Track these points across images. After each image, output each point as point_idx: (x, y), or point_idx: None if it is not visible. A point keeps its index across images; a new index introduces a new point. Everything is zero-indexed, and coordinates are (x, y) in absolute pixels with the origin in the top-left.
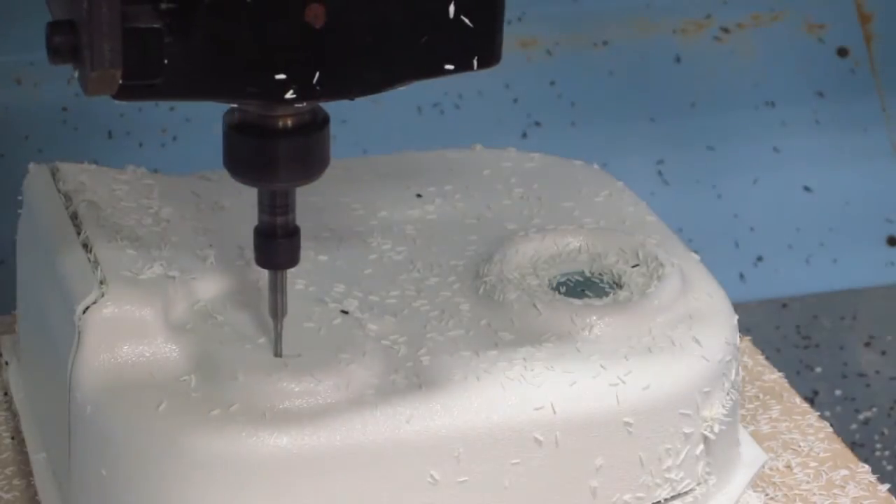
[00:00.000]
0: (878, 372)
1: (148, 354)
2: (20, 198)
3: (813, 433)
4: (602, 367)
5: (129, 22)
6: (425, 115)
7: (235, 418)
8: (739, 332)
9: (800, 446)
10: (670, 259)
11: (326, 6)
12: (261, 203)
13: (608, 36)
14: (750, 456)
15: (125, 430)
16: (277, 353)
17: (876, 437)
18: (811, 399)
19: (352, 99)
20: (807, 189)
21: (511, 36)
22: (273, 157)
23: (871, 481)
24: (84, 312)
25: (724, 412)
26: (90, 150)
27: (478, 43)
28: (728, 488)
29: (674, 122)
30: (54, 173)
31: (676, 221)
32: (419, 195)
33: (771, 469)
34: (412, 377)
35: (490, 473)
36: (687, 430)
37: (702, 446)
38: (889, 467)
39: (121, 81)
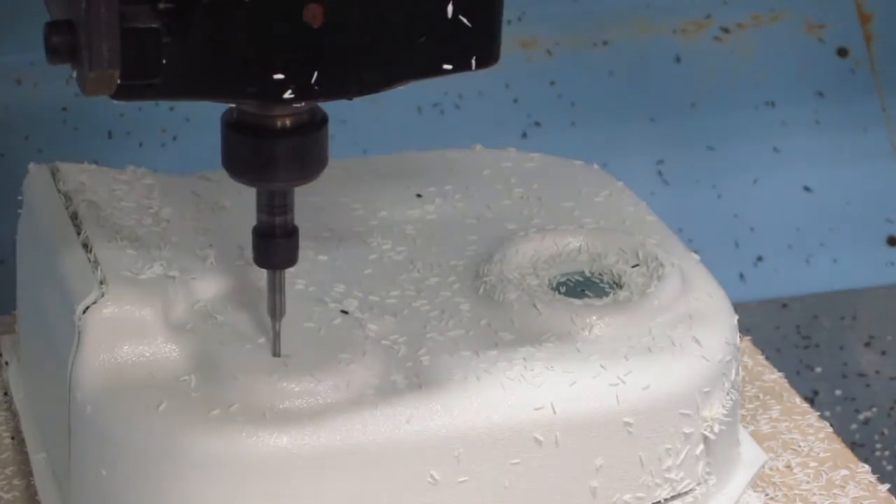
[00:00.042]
0: (878, 372)
1: (148, 354)
2: (20, 198)
3: (813, 433)
4: (602, 367)
5: (128, 22)
6: (425, 115)
7: (235, 418)
8: (739, 332)
9: (800, 446)
10: (670, 259)
11: (324, 6)
12: (259, 203)
13: (608, 36)
14: (750, 456)
15: (125, 430)
16: (276, 353)
17: (876, 437)
18: (811, 399)
19: (350, 99)
20: (807, 189)
21: (511, 36)
22: (271, 156)
23: (871, 481)
24: (84, 312)
25: (724, 412)
26: (90, 150)
27: (476, 43)
28: (728, 488)
29: (674, 122)
30: (54, 173)
31: (676, 221)
32: (419, 195)
33: (771, 469)
34: (412, 377)
35: (490, 473)
36: (687, 430)
37: (702, 446)
38: (889, 467)
39: (119, 81)
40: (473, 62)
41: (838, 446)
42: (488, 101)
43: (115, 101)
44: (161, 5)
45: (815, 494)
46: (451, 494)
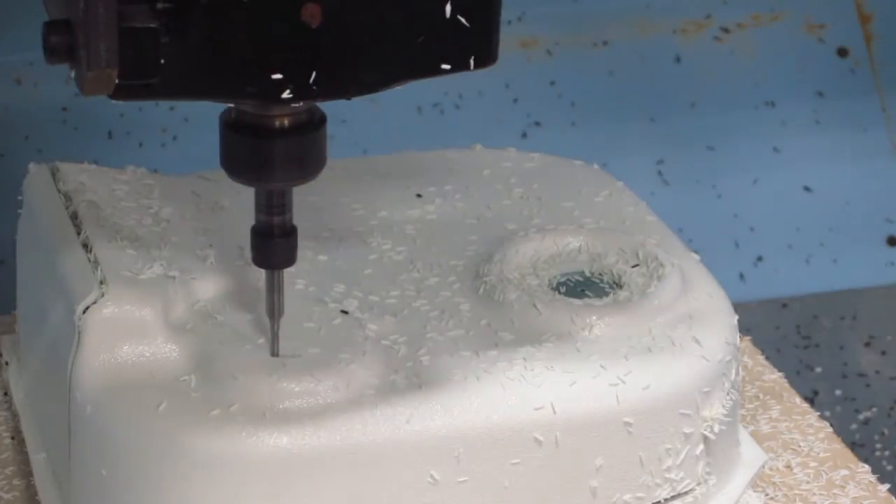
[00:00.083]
0: (878, 372)
1: (148, 354)
2: (20, 198)
3: (813, 433)
4: (602, 367)
5: (126, 21)
6: (425, 115)
7: (235, 418)
8: (739, 332)
9: (800, 446)
10: (670, 259)
11: (323, 6)
12: (258, 203)
13: (608, 36)
14: (750, 456)
15: (125, 430)
16: (274, 353)
17: (876, 437)
18: (811, 399)
19: (348, 98)
20: (807, 189)
21: (511, 36)
22: (270, 156)
23: (871, 481)
24: (84, 312)
25: (724, 412)
26: (90, 150)
27: (474, 42)
28: (728, 488)
29: (674, 122)
30: (54, 173)
31: (676, 221)
32: (419, 195)
33: (771, 469)
34: (412, 377)
35: (490, 473)
36: (687, 430)
37: (702, 446)
38: (889, 467)
39: (117, 81)
40: (472, 62)
41: (838, 446)
42: (488, 101)
43: (114, 101)
44: (159, 5)
45: (815, 494)
46: (451, 494)
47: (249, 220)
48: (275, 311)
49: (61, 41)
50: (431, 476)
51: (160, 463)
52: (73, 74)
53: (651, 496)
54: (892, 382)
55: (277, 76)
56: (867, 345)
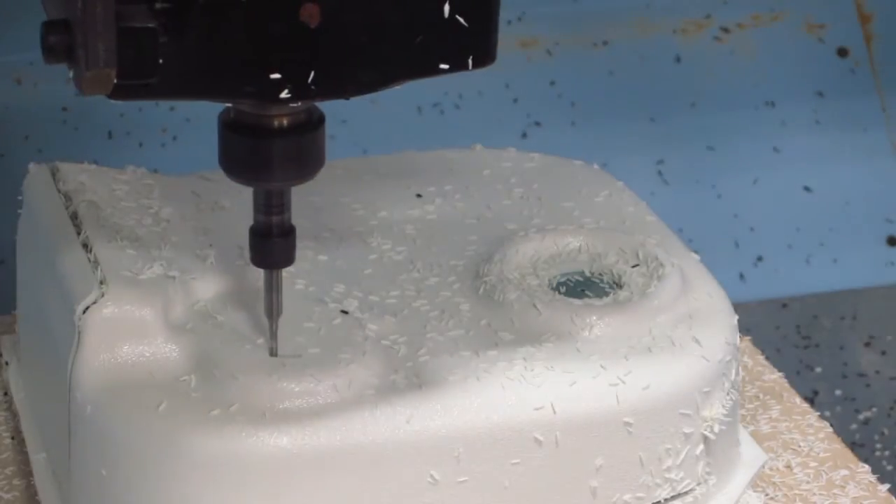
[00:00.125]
0: (878, 372)
1: (148, 354)
2: (20, 198)
3: (813, 433)
4: (602, 367)
5: (124, 21)
6: (425, 115)
7: (235, 418)
8: (739, 332)
9: (800, 446)
10: (670, 259)
11: (321, 5)
12: (256, 202)
13: (608, 36)
14: (750, 456)
15: (125, 430)
16: (273, 353)
17: (876, 437)
18: (811, 399)
19: (347, 98)
20: (807, 189)
21: (511, 36)
22: (268, 156)
23: (871, 481)
24: (84, 312)
25: (724, 412)
26: (90, 150)
27: (473, 42)
28: (728, 488)
29: (674, 122)
30: (54, 173)
31: (676, 221)
32: (419, 195)
33: (771, 469)
34: (412, 377)
35: (490, 473)
36: (687, 430)
37: (702, 446)
38: (889, 467)
39: (115, 81)
40: (470, 62)
41: (838, 446)
42: (488, 101)
43: (113, 101)
44: (158, 5)
45: (815, 494)
46: (451, 494)
47: (249, 220)
48: (273, 310)
49: (60, 41)
50: (431, 476)
51: (160, 463)
52: (71, 74)
53: (651, 496)
54: (892, 382)
55: (276, 76)
56: (867, 345)
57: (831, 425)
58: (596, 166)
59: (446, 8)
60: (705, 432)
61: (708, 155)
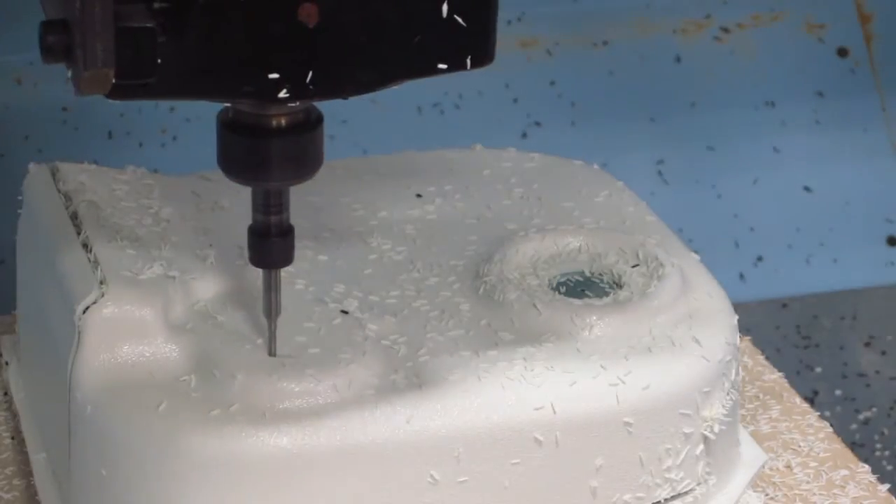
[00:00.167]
0: (878, 372)
1: (148, 354)
2: (20, 198)
3: (813, 433)
4: (602, 367)
5: (122, 21)
6: (425, 115)
7: (235, 418)
8: (739, 332)
9: (800, 446)
10: (670, 259)
11: (319, 5)
12: (254, 202)
13: (608, 36)
14: (750, 456)
15: (125, 430)
16: (272, 353)
17: (876, 437)
18: (811, 399)
19: (345, 98)
20: (807, 189)
21: (511, 36)
22: (266, 156)
23: (871, 481)
24: (84, 312)
25: (724, 412)
26: (90, 150)
27: (471, 42)
28: (728, 488)
29: (674, 121)
30: (54, 173)
31: (676, 221)
32: (419, 195)
33: (771, 469)
34: (412, 377)
35: (490, 473)
36: (687, 430)
37: (702, 446)
38: (889, 467)
39: (114, 81)
40: (468, 61)
41: (838, 446)
42: (488, 101)
43: (112, 101)
44: (156, 4)
45: (815, 494)
46: (451, 494)
47: (249, 220)
48: (272, 310)
49: (58, 41)
50: (431, 476)
51: (160, 463)
52: (69, 74)
53: (651, 496)
54: (892, 382)
55: (274, 76)
56: (867, 345)
57: (831, 425)
58: (596, 166)
59: (444, 8)
60: (705, 432)
61: (708, 155)
